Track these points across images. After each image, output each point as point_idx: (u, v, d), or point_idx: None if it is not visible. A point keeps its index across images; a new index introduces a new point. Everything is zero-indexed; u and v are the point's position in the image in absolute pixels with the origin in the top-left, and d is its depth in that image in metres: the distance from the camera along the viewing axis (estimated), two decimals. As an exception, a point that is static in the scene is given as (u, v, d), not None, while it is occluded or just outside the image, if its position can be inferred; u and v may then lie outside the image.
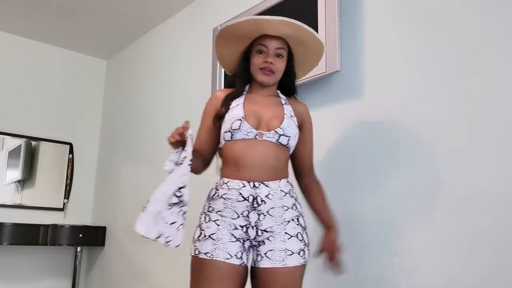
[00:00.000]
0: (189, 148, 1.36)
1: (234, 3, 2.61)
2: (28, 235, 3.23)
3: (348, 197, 1.82)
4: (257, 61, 1.49)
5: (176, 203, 1.33)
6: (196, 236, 1.44)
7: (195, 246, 1.42)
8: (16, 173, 3.53)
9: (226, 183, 1.44)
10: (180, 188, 1.34)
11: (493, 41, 1.49)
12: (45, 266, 3.59)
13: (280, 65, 1.50)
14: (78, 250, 3.59)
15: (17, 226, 3.19)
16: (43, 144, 3.66)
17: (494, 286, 1.37)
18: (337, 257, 1.52)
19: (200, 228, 1.44)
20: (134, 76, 3.62)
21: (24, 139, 3.59)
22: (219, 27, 2.51)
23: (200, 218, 1.48)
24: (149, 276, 2.98)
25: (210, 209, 1.45)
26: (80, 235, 3.42)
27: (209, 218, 1.43)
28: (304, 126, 1.55)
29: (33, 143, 3.64)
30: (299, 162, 1.58)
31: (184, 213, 1.34)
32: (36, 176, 3.61)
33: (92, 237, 3.51)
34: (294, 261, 1.39)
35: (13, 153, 3.53)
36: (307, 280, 1.91)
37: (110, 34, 3.60)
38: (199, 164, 1.53)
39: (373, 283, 1.68)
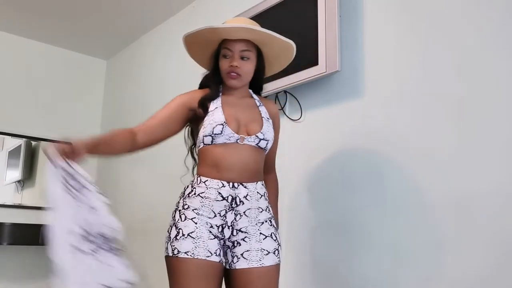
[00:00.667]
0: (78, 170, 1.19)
1: (234, 3, 2.61)
2: (28, 235, 3.23)
3: (347, 197, 1.82)
4: (223, 65, 1.50)
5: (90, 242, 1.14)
6: (173, 236, 1.40)
7: (172, 246, 1.38)
8: (16, 173, 3.53)
9: (204, 182, 1.43)
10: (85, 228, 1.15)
11: (493, 42, 1.48)
12: (45, 266, 3.56)
13: (246, 68, 1.49)
14: (78, 250, 3.59)
15: (17, 226, 3.19)
16: (43, 144, 3.67)
17: (494, 285, 1.37)
18: None
19: (176, 227, 1.41)
20: (134, 76, 3.62)
21: (24, 139, 3.59)
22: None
23: (174, 216, 1.45)
24: (149, 276, 2.98)
25: (186, 206, 1.43)
26: (80, 235, 3.42)
27: (185, 216, 1.41)
28: (274, 127, 1.57)
29: (33, 143, 3.64)
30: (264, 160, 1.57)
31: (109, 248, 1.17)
32: (36, 176, 3.61)
33: (92, 237, 3.50)
34: (270, 260, 1.41)
35: (13, 153, 3.53)
36: (307, 281, 1.91)
37: (110, 34, 3.60)
38: (128, 144, 1.44)
39: (373, 283, 1.68)
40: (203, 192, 1.42)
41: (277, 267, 1.44)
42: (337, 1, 1.90)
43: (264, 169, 1.57)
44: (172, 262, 1.39)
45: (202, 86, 1.60)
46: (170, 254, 1.39)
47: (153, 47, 3.44)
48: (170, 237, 1.41)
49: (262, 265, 1.40)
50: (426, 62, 1.65)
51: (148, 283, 2.98)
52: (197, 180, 1.46)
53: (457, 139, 1.52)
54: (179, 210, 1.44)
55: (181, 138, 2.83)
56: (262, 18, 2.21)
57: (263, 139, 1.47)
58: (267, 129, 1.50)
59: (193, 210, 1.41)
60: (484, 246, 1.41)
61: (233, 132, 1.44)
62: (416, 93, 1.67)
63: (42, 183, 3.59)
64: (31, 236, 3.24)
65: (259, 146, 1.47)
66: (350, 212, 1.80)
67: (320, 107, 2.00)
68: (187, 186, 1.48)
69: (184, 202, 1.44)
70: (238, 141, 1.44)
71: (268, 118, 1.54)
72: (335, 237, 1.84)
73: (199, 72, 2.89)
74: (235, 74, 1.48)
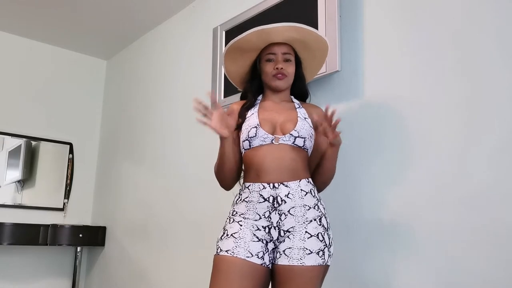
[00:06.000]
0: None
1: (234, 3, 2.61)
2: (28, 235, 3.23)
3: (348, 197, 1.82)
4: (268, 69, 1.56)
5: None
6: (219, 237, 1.48)
7: (217, 245, 1.45)
8: (16, 173, 3.53)
9: (247, 187, 1.48)
10: None
11: (493, 43, 1.49)
12: (45, 266, 3.59)
13: (290, 69, 1.57)
14: (78, 250, 3.59)
15: (17, 226, 3.20)
16: (43, 144, 3.66)
17: (494, 284, 1.38)
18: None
19: (224, 229, 1.48)
20: (134, 76, 3.62)
21: (24, 139, 3.59)
22: (219, 27, 2.51)
23: (226, 221, 1.52)
24: (149, 276, 2.98)
25: (234, 212, 1.50)
26: (80, 235, 3.42)
27: (233, 220, 1.48)
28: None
29: (33, 143, 3.64)
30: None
31: None
32: (36, 176, 3.61)
33: (92, 237, 3.51)
34: (312, 260, 1.38)
35: (13, 153, 3.53)
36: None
37: (110, 34, 3.60)
38: (234, 176, 1.58)
39: (373, 282, 1.68)
40: (247, 197, 1.47)
41: (319, 268, 1.39)
42: (337, 1, 1.90)
43: None
44: (214, 260, 1.44)
45: (243, 97, 1.66)
46: (215, 253, 1.44)
47: (153, 47, 3.44)
48: (218, 239, 1.48)
49: (303, 264, 1.37)
50: (426, 62, 1.65)
51: (148, 283, 2.98)
52: (242, 187, 1.52)
53: (458, 139, 1.53)
54: (229, 217, 1.51)
55: (180, 139, 2.84)
56: (262, 18, 2.21)
57: (298, 137, 1.48)
58: (302, 127, 1.50)
59: (240, 215, 1.47)
60: (484, 244, 1.41)
61: (267, 133, 1.48)
62: (416, 93, 1.67)
63: (42, 183, 3.61)
64: (31, 236, 3.24)
65: (296, 145, 1.49)
66: (350, 211, 1.80)
67: (320, 107, 2.00)
68: (236, 194, 1.54)
69: (233, 209, 1.52)
70: (273, 141, 1.48)
71: (305, 118, 1.55)
72: (336, 237, 1.84)
73: (199, 72, 2.89)
74: (281, 75, 1.54)
